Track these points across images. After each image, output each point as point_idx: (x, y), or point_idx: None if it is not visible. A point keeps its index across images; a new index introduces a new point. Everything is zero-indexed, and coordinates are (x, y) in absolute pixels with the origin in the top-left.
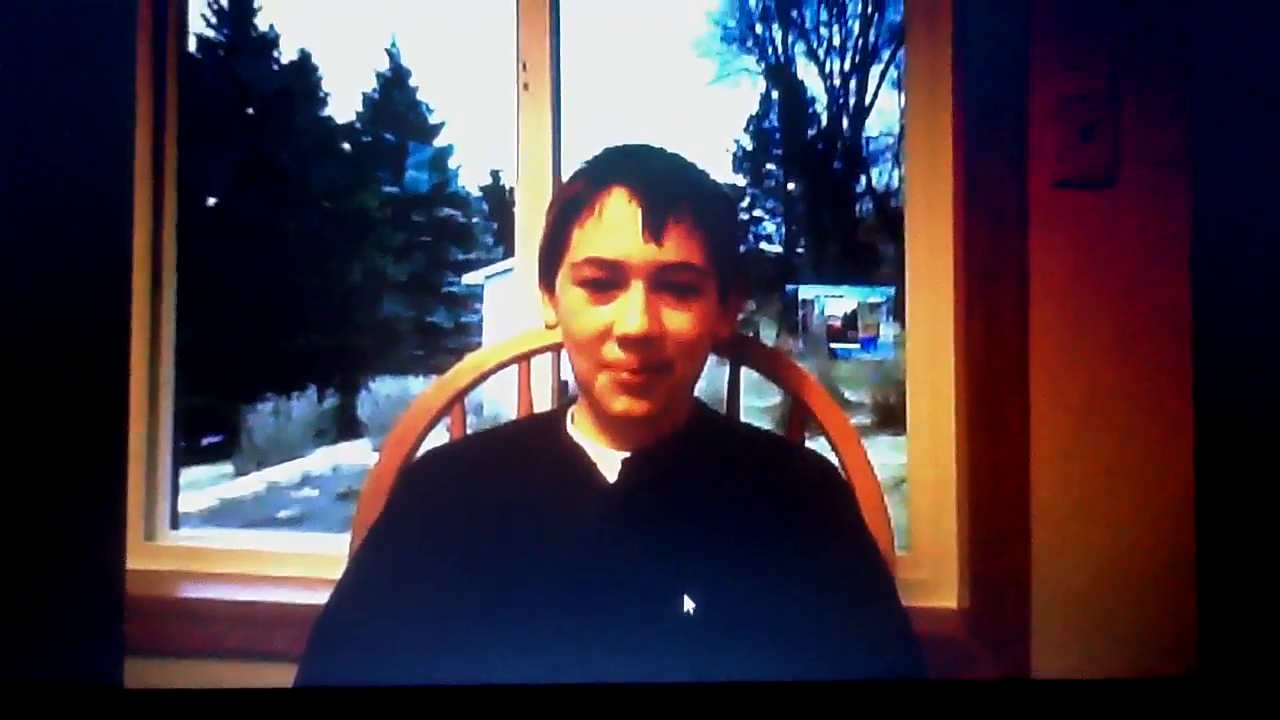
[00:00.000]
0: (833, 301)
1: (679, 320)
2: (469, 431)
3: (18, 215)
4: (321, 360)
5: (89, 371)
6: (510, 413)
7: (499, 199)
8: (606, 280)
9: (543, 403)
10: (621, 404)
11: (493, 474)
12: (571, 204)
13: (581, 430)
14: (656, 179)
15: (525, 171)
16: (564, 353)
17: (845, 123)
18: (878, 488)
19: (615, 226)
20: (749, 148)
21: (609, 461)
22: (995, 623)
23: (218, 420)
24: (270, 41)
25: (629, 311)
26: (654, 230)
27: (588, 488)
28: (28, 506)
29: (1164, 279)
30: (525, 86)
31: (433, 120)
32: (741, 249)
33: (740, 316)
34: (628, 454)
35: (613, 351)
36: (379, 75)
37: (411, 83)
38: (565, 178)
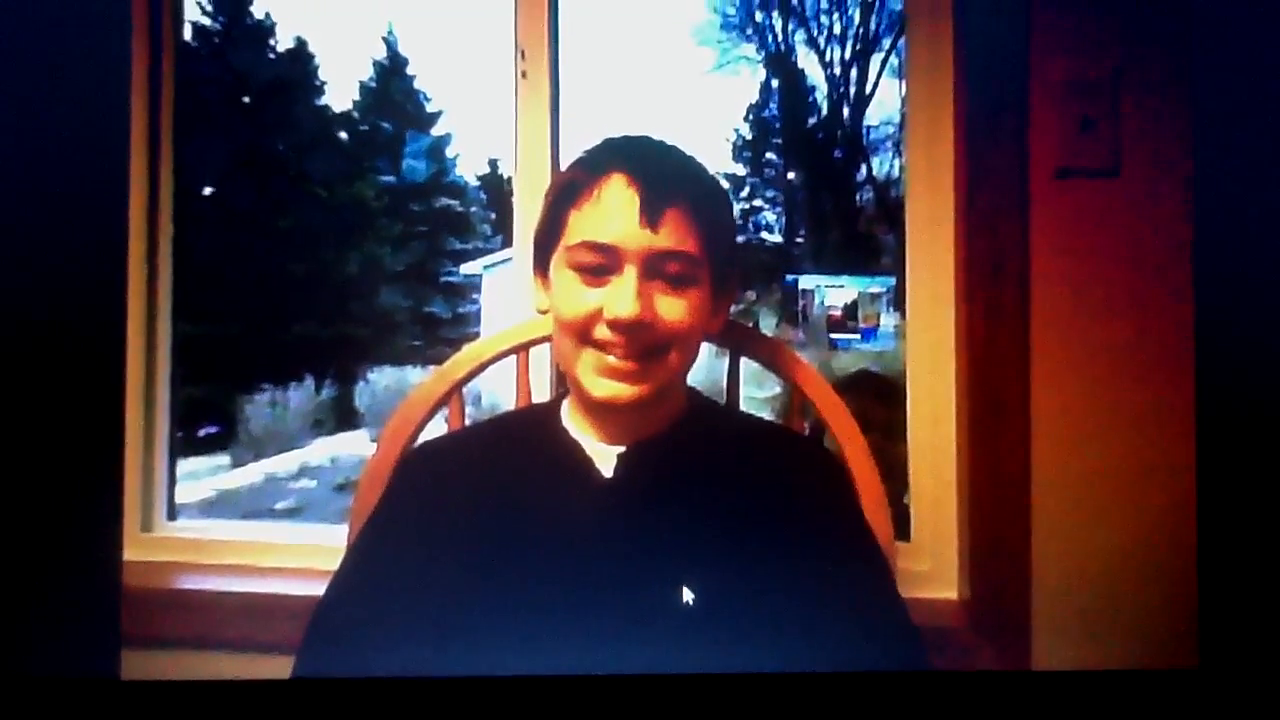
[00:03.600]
0: (833, 291)
1: (671, 308)
2: (467, 422)
3: (11, 206)
4: (319, 351)
5: (85, 363)
6: (509, 403)
7: (497, 188)
8: (600, 265)
9: (541, 393)
10: (606, 389)
11: (490, 467)
12: (569, 189)
13: (576, 424)
14: (656, 167)
15: (523, 160)
16: None
17: (846, 111)
18: (878, 478)
19: (612, 211)
20: (748, 136)
21: (605, 456)
22: (996, 614)
23: (215, 411)
24: (266, 29)
25: (621, 295)
26: (651, 216)
27: (585, 482)
28: (24, 498)
29: (1166, 269)
30: (523, 75)
31: (430, 109)
32: (741, 239)
33: (738, 307)
34: (624, 448)
35: (602, 333)
36: (376, 63)
37: (409, 71)
38: (564, 167)
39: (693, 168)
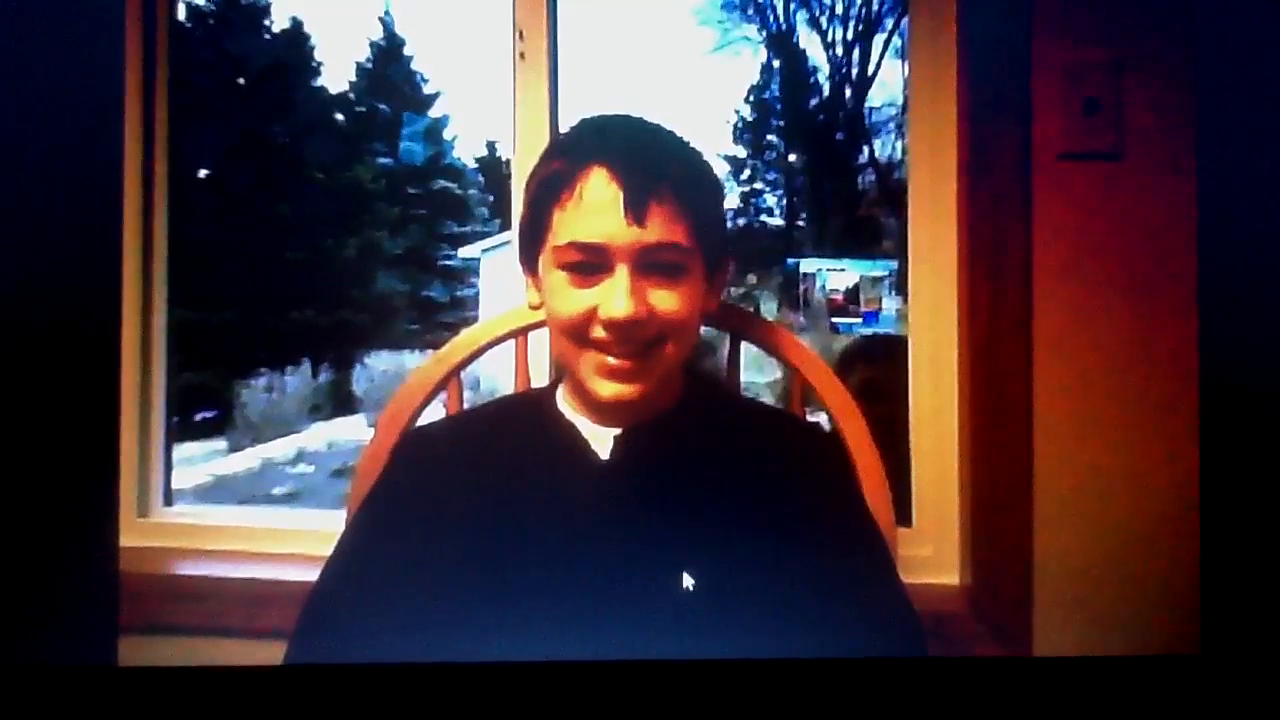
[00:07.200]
0: (834, 275)
1: (666, 300)
2: (465, 407)
3: (4, 192)
4: (316, 335)
5: (80, 348)
6: (507, 388)
7: (495, 171)
8: (590, 264)
9: (540, 377)
10: (611, 390)
11: (485, 452)
12: (550, 184)
13: (572, 407)
14: (636, 156)
15: (522, 143)
16: None
17: (848, 93)
18: (879, 463)
19: (596, 209)
20: (749, 118)
21: (601, 439)
22: (997, 600)
23: (211, 396)
24: (261, 9)
25: (614, 295)
26: (636, 212)
27: (581, 465)
28: (20, 484)
29: (1169, 252)
30: (521, 55)
31: (427, 90)
32: (741, 222)
33: (739, 291)
34: (620, 431)
35: (598, 333)
36: (373, 44)
37: (406, 52)
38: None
39: (675, 149)
